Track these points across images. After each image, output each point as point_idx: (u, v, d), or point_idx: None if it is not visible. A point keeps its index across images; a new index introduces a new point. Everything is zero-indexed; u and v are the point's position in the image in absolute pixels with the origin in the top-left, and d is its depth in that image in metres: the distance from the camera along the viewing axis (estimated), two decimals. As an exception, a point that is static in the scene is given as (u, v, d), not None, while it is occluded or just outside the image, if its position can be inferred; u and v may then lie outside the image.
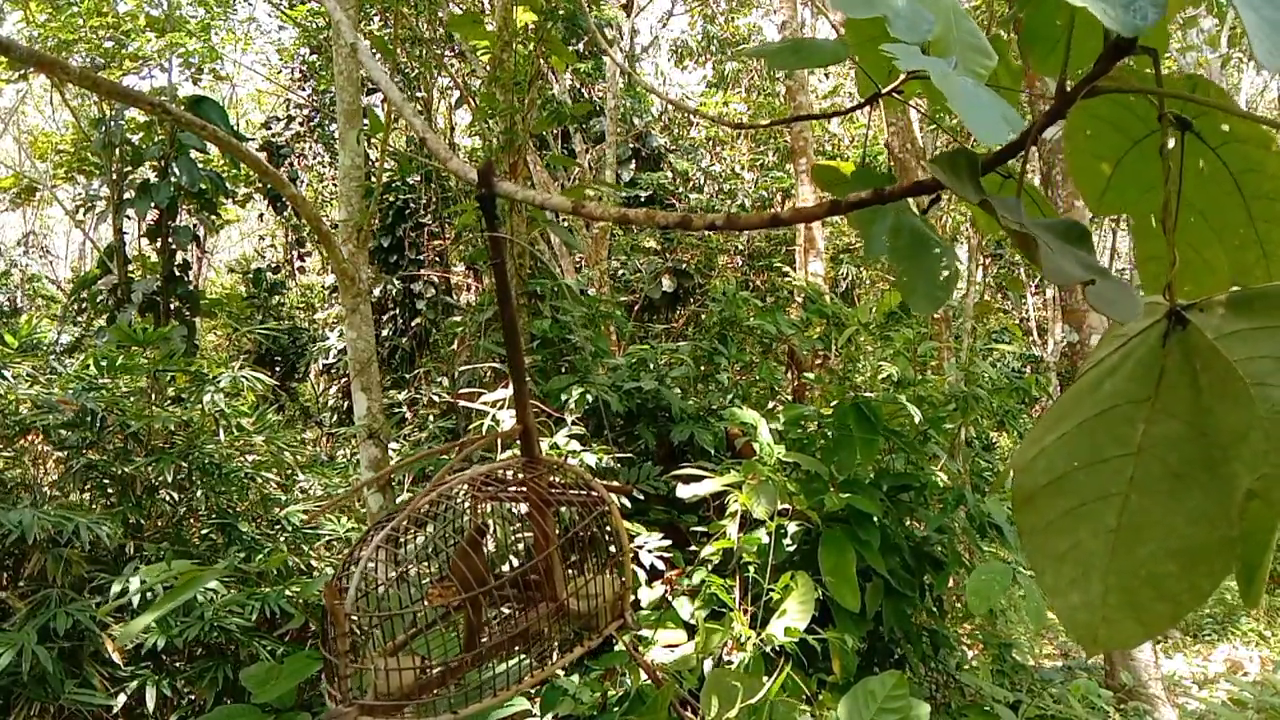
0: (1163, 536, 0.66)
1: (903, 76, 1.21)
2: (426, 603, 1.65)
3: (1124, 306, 0.66)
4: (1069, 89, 0.76)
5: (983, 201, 0.73)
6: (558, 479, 1.80)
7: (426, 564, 1.79)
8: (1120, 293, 0.66)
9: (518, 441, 1.80)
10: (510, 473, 1.78)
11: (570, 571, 1.75)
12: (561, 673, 3.65)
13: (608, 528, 1.73)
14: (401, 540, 1.63)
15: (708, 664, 3.58)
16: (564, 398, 4.94)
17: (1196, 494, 0.65)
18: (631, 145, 13.93)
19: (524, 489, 1.71)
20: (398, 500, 5.50)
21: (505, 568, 2.34)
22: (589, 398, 4.96)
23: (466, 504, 1.73)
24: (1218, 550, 0.64)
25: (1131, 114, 0.96)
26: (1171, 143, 0.84)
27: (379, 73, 2.18)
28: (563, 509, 1.78)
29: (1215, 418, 0.65)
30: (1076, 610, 0.69)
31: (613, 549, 1.74)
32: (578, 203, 1.23)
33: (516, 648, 1.61)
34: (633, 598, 4.10)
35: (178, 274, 9.33)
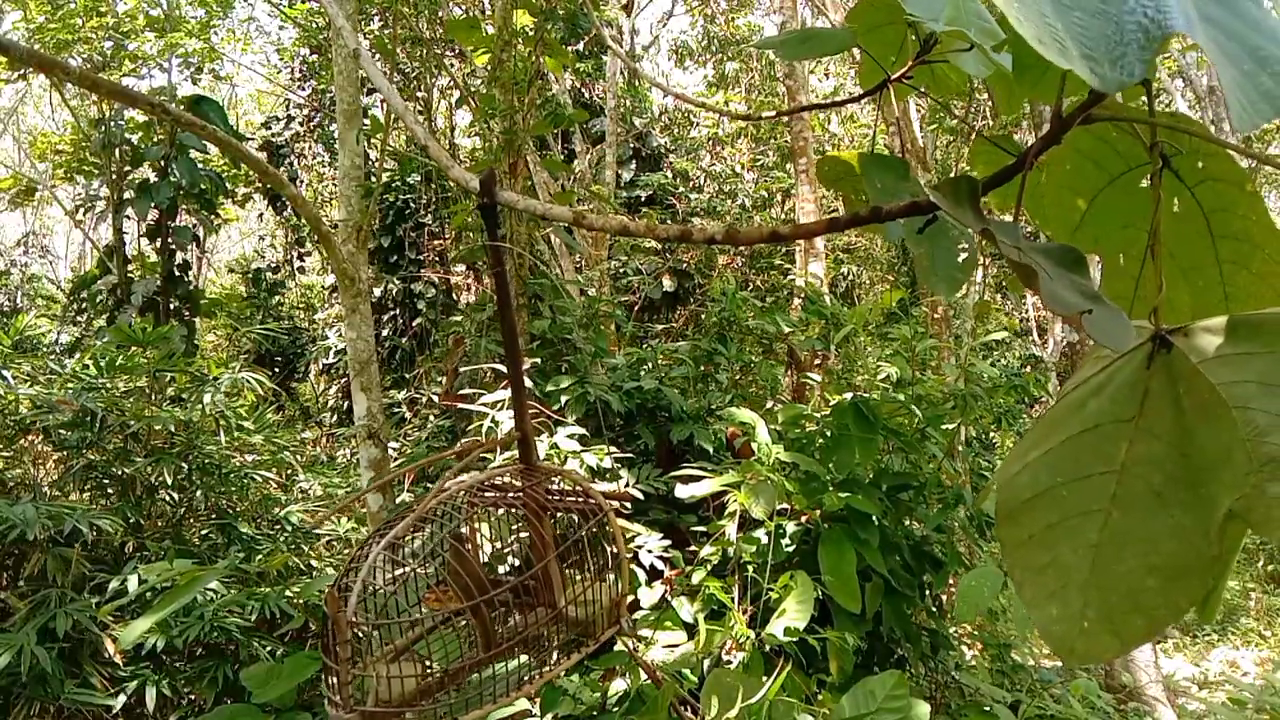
0: (1143, 553, 0.67)
1: (910, 64, 1.21)
2: (423, 608, 1.65)
3: (1118, 335, 0.67)
4: (1064, 116, 0.77)
5: (984, 230, 0.73)
6: (556, 485, 1.80)
7: (425, 568, 1.79)
8: (1115, 321, 0.67)
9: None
10: (508, 479, 1.78)
11: (568, 577, 1.75)
12: (562, 673, 3.65)
13: (605, 533, 1.73)
14: (400, 545, 1.63)
15: (707, 664, 3.58)
16: (563, 398, 4.94)
17: (1177, 513, 0.66)
18: (631, 145, 13.93)
19: (521, 495, 1.71)
20: (398, 500, 5.50)
21: (502, 570, 2.34)
22: (588, 398, 4.96)
23: (463, 510, 1.73)
24: (1197, 568, 0.65)
25: (1112, 150, 0.97)
26: (1146, 182, 0.85)
27: (381, 79, 2.19)
28: (560, 515, 1.78)
29: (1197, 439, 0.66)
30: (1054, 622, 0.70)
31: (610, 555, 1.74)
32: (579, 214, 1.24)
33: (515, 654, 1.61)
34: (632, 599, 4.11)
35: (178, 274, 9.34)
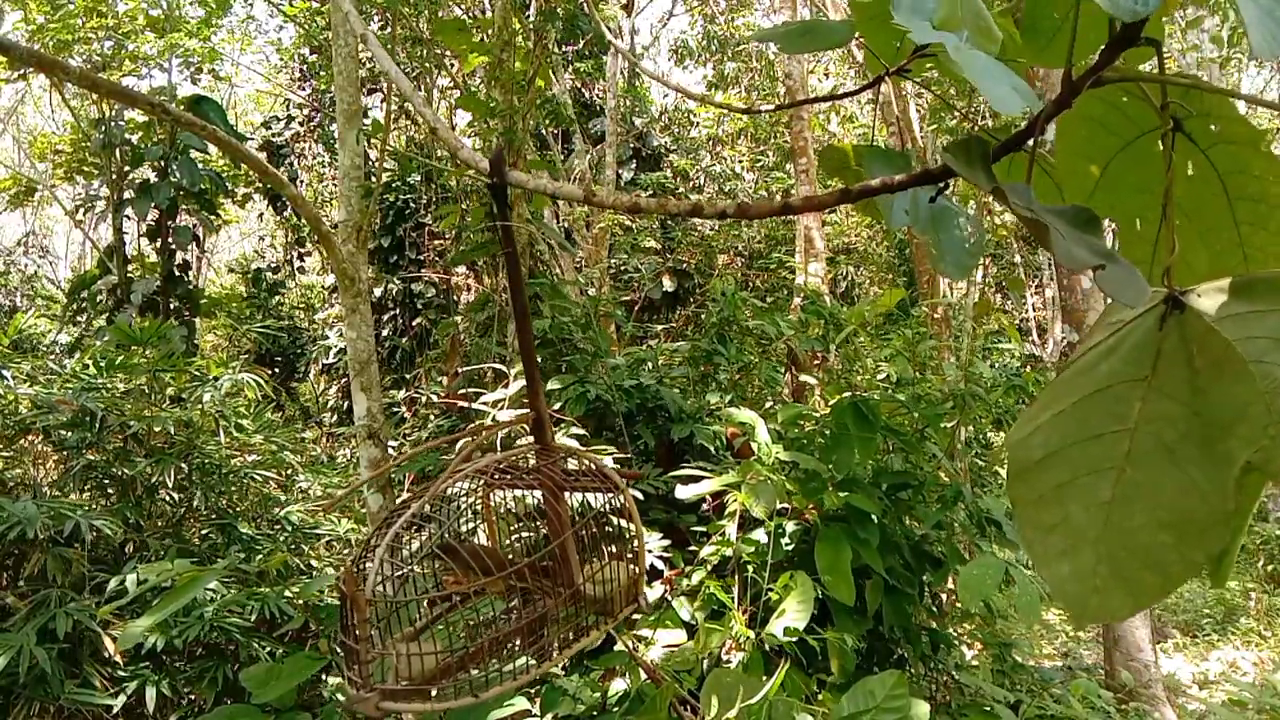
0: (1156, 509, 0.67)
1: (909, 56, 1.21)
2: (443, 589, 1.66)
3: (1132, 291, 0.66)
4: (1074, 79, 0.76)
5: (995, 189, 0.73)
6: (571, 466, 1.81)
7: (437, 556, 1.79)
8: (1129, 278, 0.67)
9: (527, 429, 1.80)
10: (524, 460, 1.79)
11: (585, 557, 1.75)
12: (562, 673, 3.65)
13: (621, 515, 1.74)
14: (409, 533, 1.63)
15: (707, 664, 3.58)
16: (563, 398, 4.94)
17: (1191, 468, 0.66)
18: (632, 145, 13.94)
19: (538, 476, 1.72)
20: (399, 500, 5.51)
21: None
22: (589, 397, 4.96)
23: (478, 492, 1.73)
24: (1211, 523, 0.65)
25: (1123, 115, 0.96)
26: (1160, 146, 0.85)
27: (389, 63, 2.18)
28: (576, 496, 1.79)
29: (1211, 396, 0.66)
30: (1066, 580, 0.70)
31: (627, 535, 1.75)
32: (588, 191, 1.24)
33: (533, 634, 1.62)
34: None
35: (177, 274, 9.35)
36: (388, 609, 1.57)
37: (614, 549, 1.75)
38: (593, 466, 1.77)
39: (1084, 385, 0.73)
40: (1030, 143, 0.80)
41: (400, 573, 1.66)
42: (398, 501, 5.36)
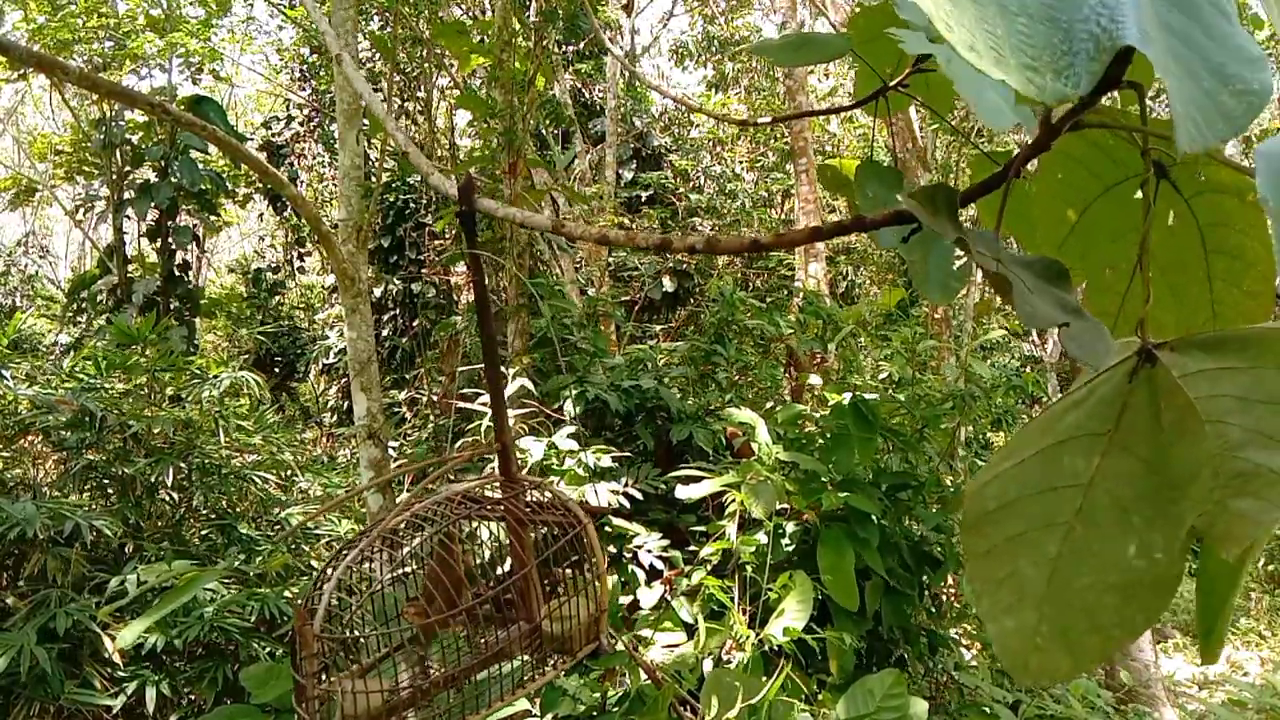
0: (1102, 569, 0.65)
1: (906, 72, 1.21)
2: (402, 621, 1.63)
3: (1096, 351, 0.64)
4: (1054, 121, 0.73)
5: (959, 240, 0.71)
6: (535, 497, 1.78)
7: (414, 571, 1.77)
8: (1094, 336, 0.65)
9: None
10: (488, 491, 1.76)
11: (546, 592, 1.73)
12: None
13: (585, 548, 1.71)
14: (400, 543, 1.62)
15: (707, 664, 3.58)
16: (563, 398, 4.95)
17: (1142, 529, 0.64)
18: (632, 145, 13.93)
19: (501, 508, 1.69)
20: (398, 500, 5.51)
21: (501, 570, 2.34)
22: (588, 397, 4.96)
23: (444, 522, 1.71)
24: (1156, 586, 0.63)
25: (1108, 157, 0.93)
26: (1140, 194, 0.82)
27: (364, 85, 2.21)
28: (540, 529, 1.76)
29: (1170, 456, 0.64)
30: (1009, 636, 0.68)
31: (588, 570, 1.72)
32: (558, 222, 1.24)
33: (488, 670, 1.59)
34: (632, 599, 4.11)
35: (178, 274, 9.35)
36: (338, 644, 1.54)
37: (579, 575, 1.72)
38: (557, 500, 1.75)
39: (1047, 436, 0.70)
40: (1003, 188, 0.78)
41: (390, 577, 1.64)
42: (397, 502, 5.37)
